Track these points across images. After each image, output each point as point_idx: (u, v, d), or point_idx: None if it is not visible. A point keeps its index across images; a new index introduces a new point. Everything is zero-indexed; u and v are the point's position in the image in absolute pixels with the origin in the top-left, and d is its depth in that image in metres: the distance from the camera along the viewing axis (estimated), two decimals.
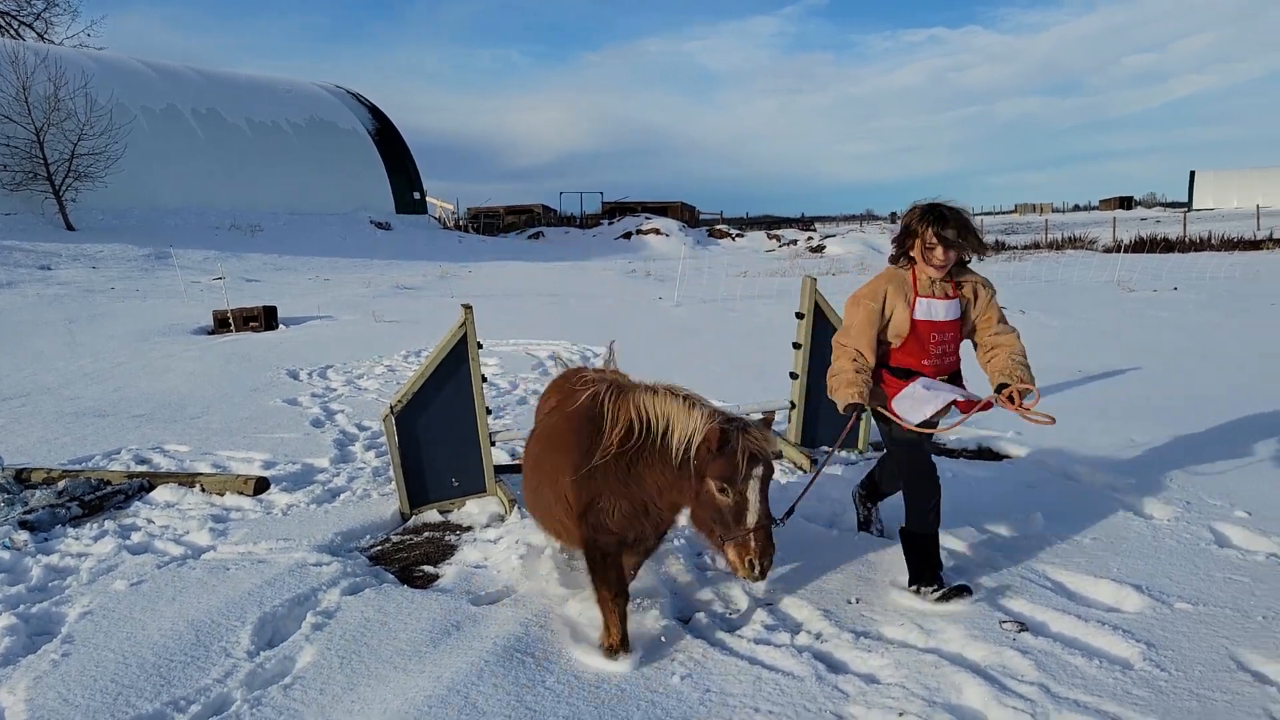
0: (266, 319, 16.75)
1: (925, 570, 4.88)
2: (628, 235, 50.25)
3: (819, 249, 43.35)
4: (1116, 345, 14.14)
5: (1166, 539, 5.62)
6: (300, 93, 50.52)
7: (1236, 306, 19.30)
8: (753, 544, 3.67)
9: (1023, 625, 4.58)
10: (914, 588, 4.90)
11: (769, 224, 61.95)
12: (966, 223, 4.77)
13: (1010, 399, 4.68)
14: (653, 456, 4.02)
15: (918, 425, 4.76)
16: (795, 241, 46.86)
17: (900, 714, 3.82)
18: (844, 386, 4.76)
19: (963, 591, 4.78)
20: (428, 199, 54.21)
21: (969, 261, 5.00)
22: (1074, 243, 42.56)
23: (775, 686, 4.06)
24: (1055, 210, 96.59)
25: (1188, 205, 79.45)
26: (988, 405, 4.78)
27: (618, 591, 4.24)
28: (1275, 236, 38.39)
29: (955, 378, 5.06)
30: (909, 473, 4.94)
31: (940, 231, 4.70)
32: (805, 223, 65.56)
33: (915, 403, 4.76)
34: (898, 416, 4.79)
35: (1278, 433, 7.93)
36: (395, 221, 46.97)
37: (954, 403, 4.76)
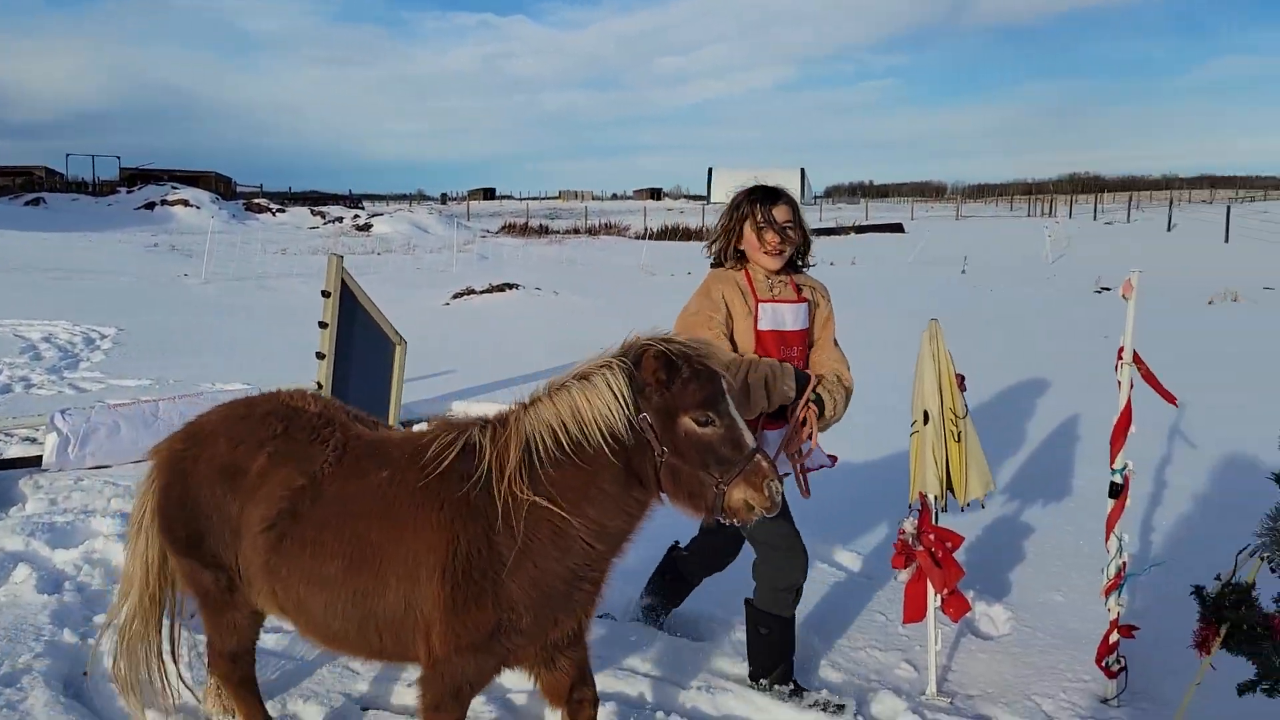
0: None
1: (774, 662, 4.03)
2: (151, 206, 45.58)
3: (366, 227, 42.51)
4: (634, 324, 15.47)
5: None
6: None
7: None
8: (763, 464, 2.84)
9: None
10: (758, 681, 4.03)
11: (314, 200, 59.44)
12: (797, 205, 4.03)
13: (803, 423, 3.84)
14: (588, 473, 2.89)
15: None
16: (341, 219, 45.54)
17: None
18: (769, 367, 3.72)
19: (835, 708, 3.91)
20: None
21: (804, 266, 4.17)
22: (609, 229, 45.78)
23: None
24: (595, 198, 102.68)
25: (707, 198, 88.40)
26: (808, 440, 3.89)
27: None
28: None
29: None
30: (768, 546, 3.98)
31: (770, 210, 3.90)
32: (353, 200, 63.88)
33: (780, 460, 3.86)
34: None
35: None
36: None
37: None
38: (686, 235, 42.11)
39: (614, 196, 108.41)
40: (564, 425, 2.83)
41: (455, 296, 18.04)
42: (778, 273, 3.99)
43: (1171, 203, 48.11)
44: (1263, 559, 2.96)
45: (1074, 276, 23.19)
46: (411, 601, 2.92)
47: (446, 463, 2.91)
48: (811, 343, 4.06)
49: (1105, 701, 4.09)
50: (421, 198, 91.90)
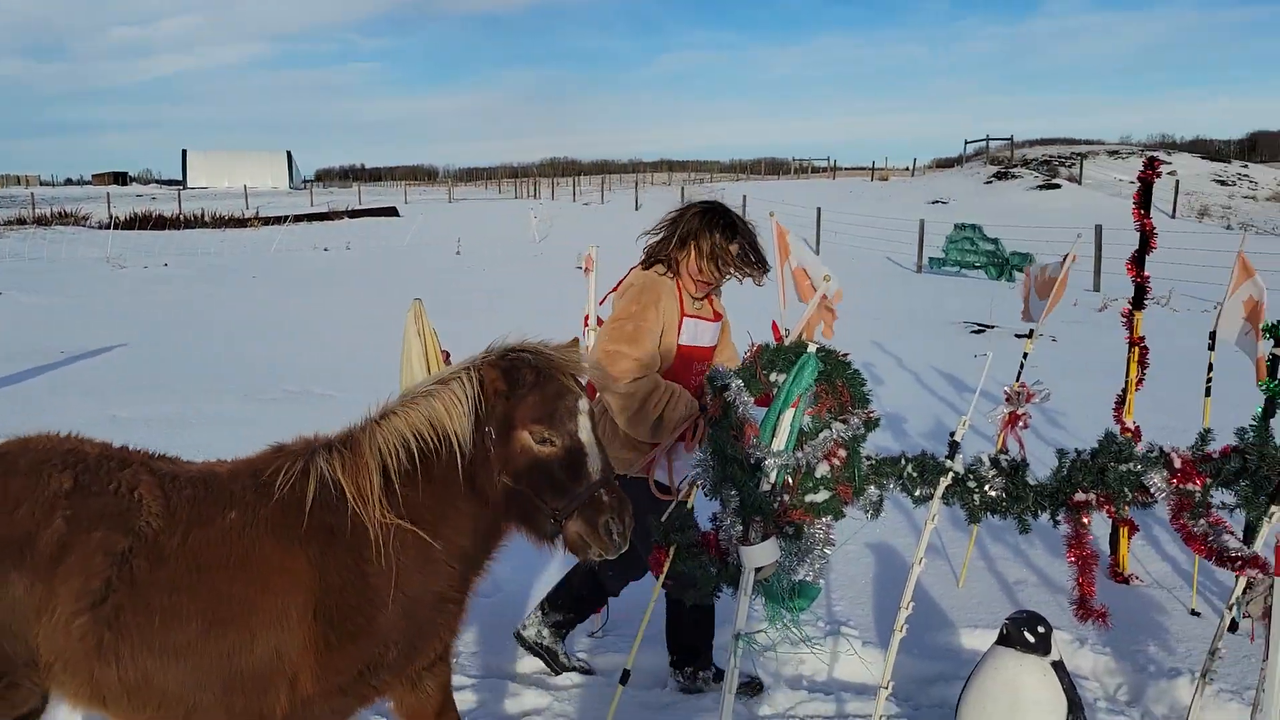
0: None
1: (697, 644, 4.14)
2: None
3: None
4: (105, 323, 13.94)
5: None
6: None
7: (223, 278, 20.68)
8: (605, 498, 2.56)
9: None
10: (682, 670, 4.13)
11: None
12: (754, 235, 3.92)
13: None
14: (439, 493, 2.67)
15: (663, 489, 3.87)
16: None
17: None
18: (681, 400, 3.69)
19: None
20: None
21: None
22: (65, 218, 40.40)
23: None
24: (44, 183, 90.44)
25: (183, 183, 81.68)
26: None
27: None
28: (261, 215, 41.88)
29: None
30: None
31: (728, 245, 3.79)
32: None
33: (682, 468, 3.86)
34: (668, 488, 3.83)
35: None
36: None
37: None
38: (161, 223, 38.56)
39: (69, 181, 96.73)
40: (417, 436, 2.62)
41: None
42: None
43: (637, 185, 53.61)
44: (698, 485, 3.50)
45: (558, 255, 24.96)
46: (281, 649, 2.61)
47: (300, 494, 2.63)
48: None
49: (593, 635, 4.57)
50: None
